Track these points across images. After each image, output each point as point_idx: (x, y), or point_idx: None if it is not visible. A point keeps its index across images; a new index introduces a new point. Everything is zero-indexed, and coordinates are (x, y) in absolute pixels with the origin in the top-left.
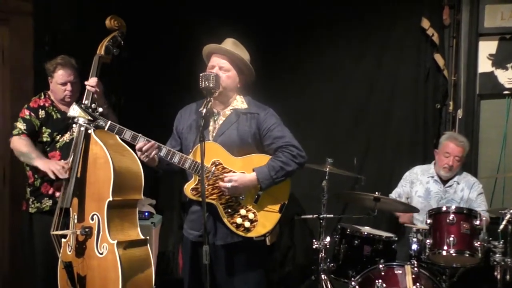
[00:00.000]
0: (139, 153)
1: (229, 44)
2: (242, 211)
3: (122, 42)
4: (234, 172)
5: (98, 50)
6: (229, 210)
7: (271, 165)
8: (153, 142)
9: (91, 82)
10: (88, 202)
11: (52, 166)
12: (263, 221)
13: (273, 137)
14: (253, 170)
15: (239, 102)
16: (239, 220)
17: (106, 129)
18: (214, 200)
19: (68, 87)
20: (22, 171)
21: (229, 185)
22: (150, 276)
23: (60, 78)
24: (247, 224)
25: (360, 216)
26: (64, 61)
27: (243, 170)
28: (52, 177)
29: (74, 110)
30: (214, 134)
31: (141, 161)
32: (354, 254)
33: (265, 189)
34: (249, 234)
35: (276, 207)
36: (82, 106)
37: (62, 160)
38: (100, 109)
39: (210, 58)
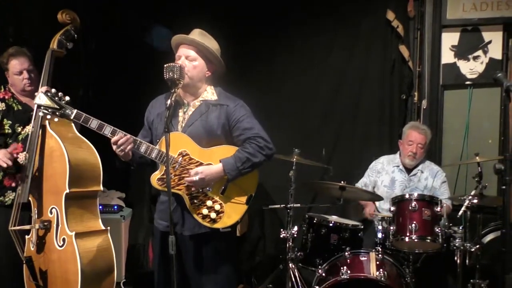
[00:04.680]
0: (114, 146)
1: (196, 34)
2: (209, 202)
3: (76, 36)
4: (201, 162)
5: (51, 44)
6: (195, 201)
7: (238, 156)
8: (129, 135)
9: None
10: (46, 196)
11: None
12: (230, 212)
13: (242, 128)
14: (220, 161)
15: (209, 94)
16: (205, 211)
17: (72, 117)
18: (181, 190)
19: (25, 75)
20: None
21: (196, 178)
22: (111, 266)
23: (14, 68)
24: (213, 215)
25: (327, 205)
26: (15, 50)
27: (210, 161)
28: (4, 166)
29: (40, 99)
30: (183, 125)
31: (116, 156)
32: (321, 243)
33: (232, 180)
34: (215, 225)
35: (243, 199)
36: (49, 94)
37: (25, 152)
38: (67, 98)
39: (178, 49)
